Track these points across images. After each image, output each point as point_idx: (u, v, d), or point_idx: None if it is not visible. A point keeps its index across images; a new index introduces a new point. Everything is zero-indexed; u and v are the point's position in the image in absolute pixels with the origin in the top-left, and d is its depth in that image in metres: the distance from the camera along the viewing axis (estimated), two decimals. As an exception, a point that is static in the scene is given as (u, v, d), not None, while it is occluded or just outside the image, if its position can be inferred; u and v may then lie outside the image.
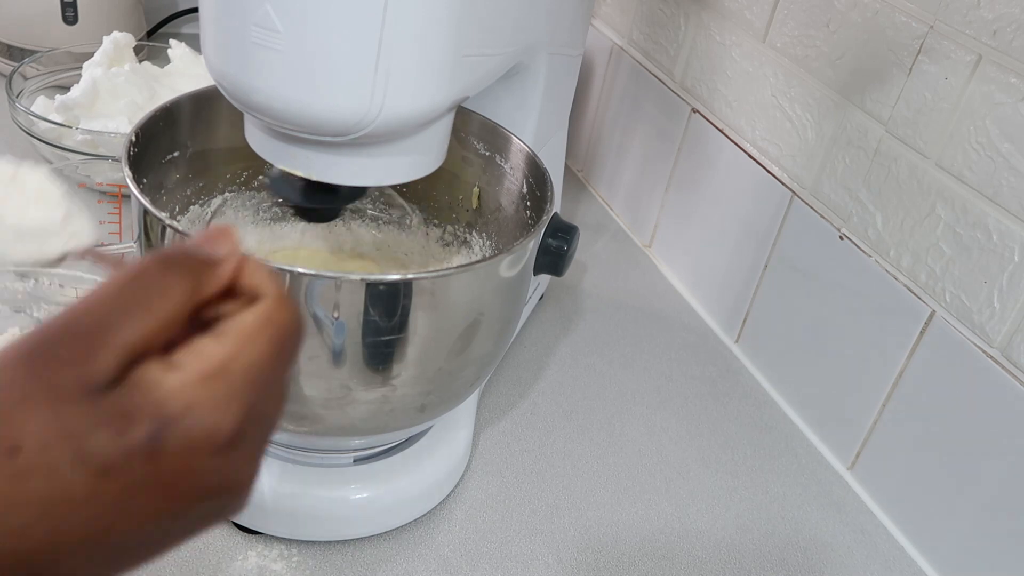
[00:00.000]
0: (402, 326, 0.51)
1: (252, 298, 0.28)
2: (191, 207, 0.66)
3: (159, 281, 0.27)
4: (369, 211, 0.73)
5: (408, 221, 0.72)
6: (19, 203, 0.38)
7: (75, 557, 0.25)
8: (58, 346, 0.25)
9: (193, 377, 0.26)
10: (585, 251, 0.98)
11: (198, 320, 0.28)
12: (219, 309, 0.28)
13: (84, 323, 0.25)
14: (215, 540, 0.61)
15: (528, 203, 0.63)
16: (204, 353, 0.26)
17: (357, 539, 0.63)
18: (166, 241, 0.53)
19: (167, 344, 0.27)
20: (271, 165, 0.54)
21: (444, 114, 0.53)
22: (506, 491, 0.69)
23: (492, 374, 0.78)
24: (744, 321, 0.87)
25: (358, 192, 0.57)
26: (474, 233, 0.69)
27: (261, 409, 0.28)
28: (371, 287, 0.49)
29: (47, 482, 0.24)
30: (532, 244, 0.57)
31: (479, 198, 0.68)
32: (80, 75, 0.93)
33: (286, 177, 0.54)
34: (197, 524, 0.28)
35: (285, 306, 0.28)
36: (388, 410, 0.56)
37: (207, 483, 0.26)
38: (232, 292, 0.29)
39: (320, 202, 0.55)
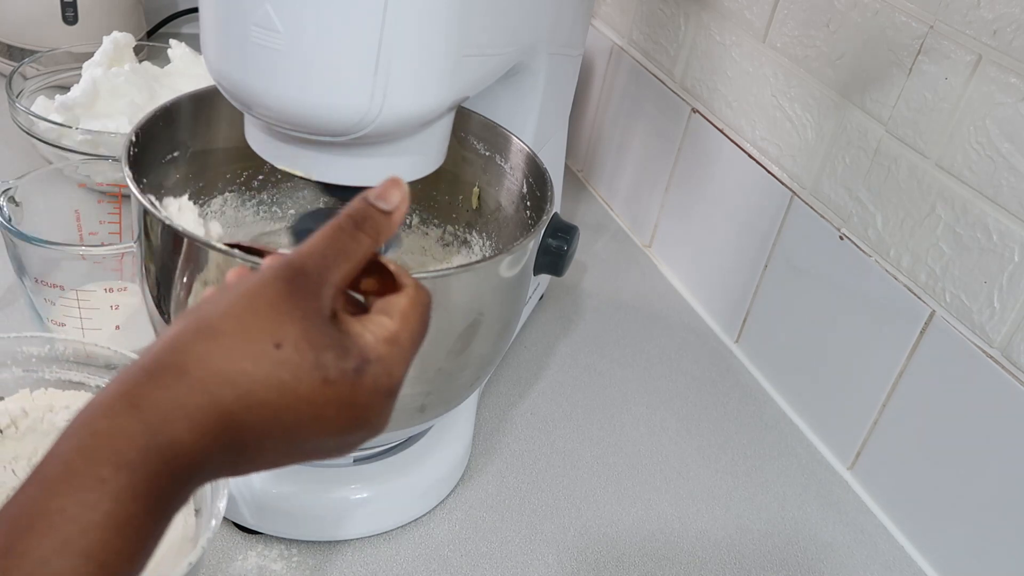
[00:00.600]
0: (402, 326, 0.51)
1: (399, 286, 0.37)
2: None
3: (354, 235, 0.36)
4: None
5: (407, 222, 0.72)
6: None
7: (268, 441, 0.33)
8: (301, 279, 0.34)
9: (380, 339, 0.35)
10: (585, 251, 0.98)
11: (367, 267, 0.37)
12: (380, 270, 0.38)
13: (313, 265, 0.34)
14: (215, 540, 0.61)
15: (528, 203, 0.63)
16: (383, 325, 0.35)
17: (357, 539, 0.63)
18: (162, 239, 0.53)
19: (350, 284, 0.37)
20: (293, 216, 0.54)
21: (444, 114, 0.53)
22: (506, 491, 0.69)
23: (492, 374, 0.78)
24: (744, 321, 0.87)
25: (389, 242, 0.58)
26: (474, 233, 0.69)
27: (407, 371, 0.36)
28: (371, 287, 0.49)
29: (292, 374, 0.32)
30: (532, 244, 0.57)
31: (479, 198, 0.68)
32: (80, 75, 0.93)
33: (309, 224, 0.55)
34: (342, 448, 0.36)
35: (422, 289, 0.38)
36: (388, 410, 0.55)
37: (371, 415, 0.35)
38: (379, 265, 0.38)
39: None
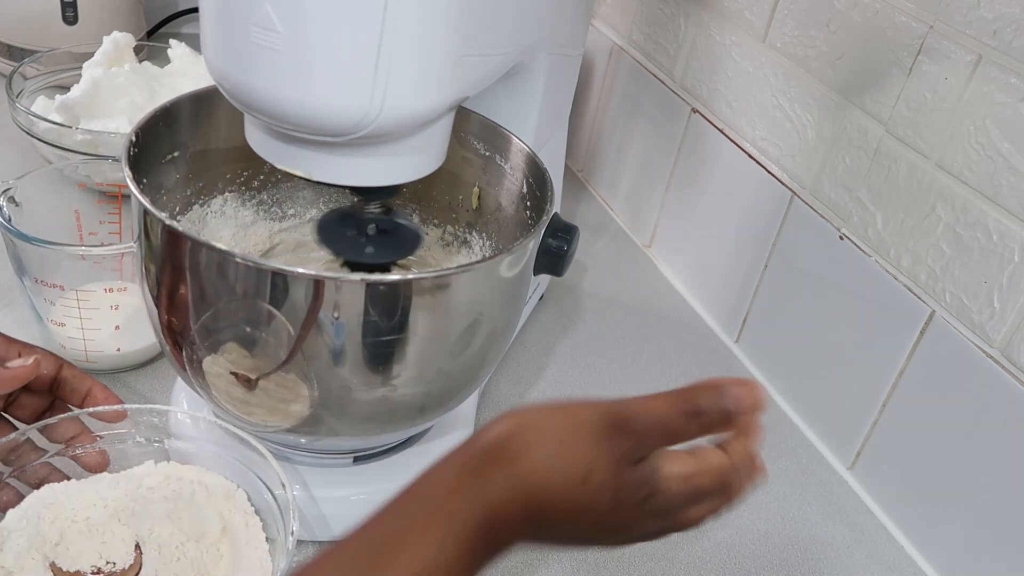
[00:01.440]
0: (402, 326, 0.51)
1: (729, 447, 0.43)
2: (191, 207, 0.66)
3: (686, 424, 0.42)
4: None
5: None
6: None
7: (558, 528, 0.42)
8: (625, 429, 0.41)
9: (675, 475, 0.41)
10: (585, 251, 0.98)
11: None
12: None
13: (640, 427, 0.41)
14: (215, 540, 0.61)
15: (528, 203, 0.63)
16: (685, 465, 0.42)
17: (357, 539, 0.63)
18: (162, 239, 0.53)
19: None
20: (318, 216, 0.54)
21: (444, 114, 0.53)
22: (506, 491, 0.69)
23: (492, 374, 0.78)
24: (744, 321, 0.87)
25: (411, 246, 0.59)
26: (474, 233, 0.69)
27: (691, 507, 0.43)
28: (371, 287, 0.49)
29: (591, 500, 0.40)
30: (532, 244, 0.57)
31: (479, 198, 0.68)
32: (80, 75, 0.93)
33: (338, 231, 0.57)
34: (613, 544, 0.45)
35: (755, 468, 0.44)
36: (388, 410, 0.56)
37: (645, 531, 0.43)
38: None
39: (371, 258, 0.58)
